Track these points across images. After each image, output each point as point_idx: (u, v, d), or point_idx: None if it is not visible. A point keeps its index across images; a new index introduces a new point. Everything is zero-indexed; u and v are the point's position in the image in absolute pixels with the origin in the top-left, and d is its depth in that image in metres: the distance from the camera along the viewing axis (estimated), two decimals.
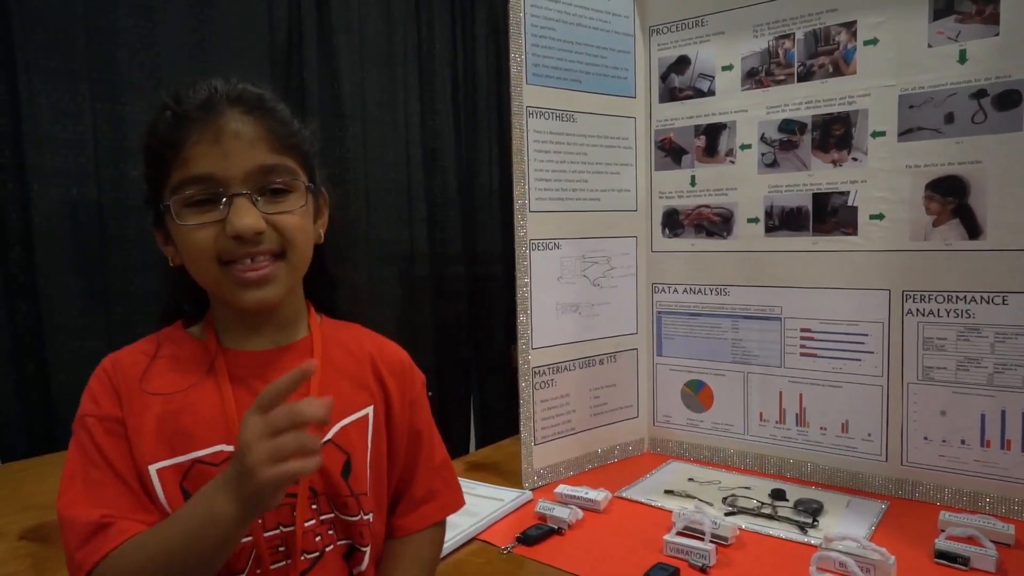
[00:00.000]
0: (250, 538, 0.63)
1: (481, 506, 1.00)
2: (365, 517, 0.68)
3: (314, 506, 0.66)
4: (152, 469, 0.62)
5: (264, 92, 0.66)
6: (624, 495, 1.05)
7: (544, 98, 1.08)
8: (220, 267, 0.63)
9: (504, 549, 0.89)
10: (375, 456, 0.71)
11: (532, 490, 1.07)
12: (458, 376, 1.99)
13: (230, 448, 0.63)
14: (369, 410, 0.71)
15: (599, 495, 1.01)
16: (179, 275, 0.68)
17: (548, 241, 1.10)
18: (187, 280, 0.68)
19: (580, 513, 0.97)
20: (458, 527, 0.93)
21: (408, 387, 0.76)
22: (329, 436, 0.68)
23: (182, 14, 1.42)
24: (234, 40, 1.48)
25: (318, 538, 0.67)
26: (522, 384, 1.09)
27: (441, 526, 0.80)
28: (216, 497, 0.55)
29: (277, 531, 0.65)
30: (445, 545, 0.88)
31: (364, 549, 0.69)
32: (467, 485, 1.08)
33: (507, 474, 1.14)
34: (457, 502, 0.80)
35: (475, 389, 2.05)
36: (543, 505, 0.97)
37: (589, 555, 0.87)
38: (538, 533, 0.92)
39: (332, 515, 0.67)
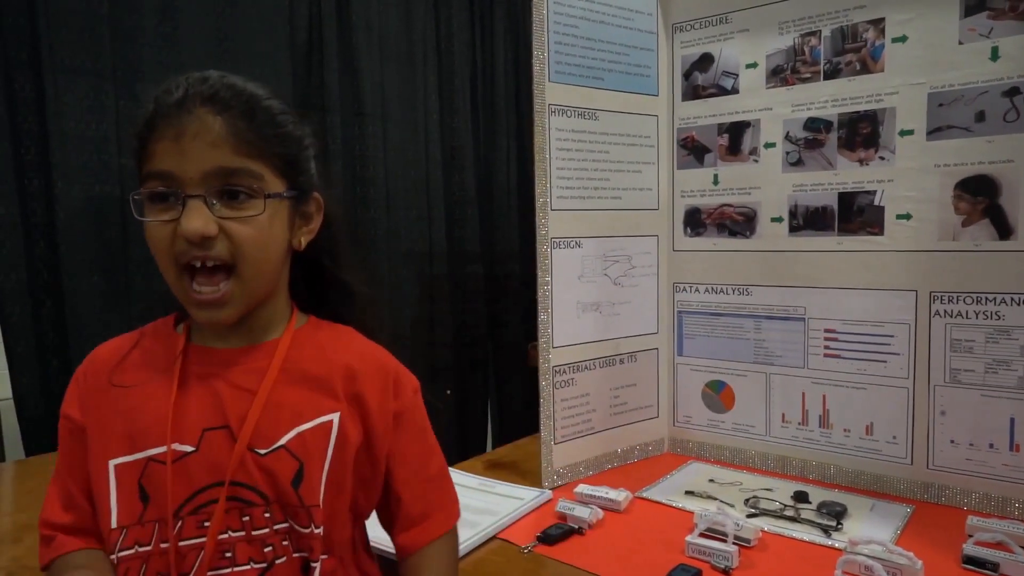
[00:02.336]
0: (202, 539, 0.62)
1: (501, 505, 1.00)
2: (316, 531, 0.64)
3: (267, 514, 0.64)
4: (111, 464, 0.62)
5: (249, 90, 0.64)
6: (644, 495, 1.05)
7: (566, 96, 1.08)
8: (177, 271, 0.62)
9: (525, 548, 0.89)
10: (337, 467, 0.66)
11: (552, 489, 1.07)
12: (476, 375, 1.99)
13: (179, 448, 0.63)
14: (333, 417, 0.67)
15: (619, 495, 1.00)
16: None
17: (569, 240, 1.10)
18: None
19: (600, 513, 0.96)
20: (478, 526, 0.93)
21: (390, 398, 0.71)
22: (282, 442, 0.65)
23: (205, 13, 1.43)
24: (256, 39, 1.49)
25: (268, 548, 0.64)
26: (542, 383, 1.08)
27: (451, 535, 0.76)
28: None
29: (197, 540, 0.62)
30: (465, 544, 0.88)
31: (314, 565, 0.65)
32: (486, 484, 1.09)
33: (526, 473, 1.13)
34: (456, 514, 0.76)
35: (493, 388, 2.05)
36: (563, 504, 0.97)
37: (610, 555, 0.87)
38: (558, 533, 0.91)
39: (286, 524, 0.64)
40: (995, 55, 0.93)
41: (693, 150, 1.19)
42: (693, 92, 1.19)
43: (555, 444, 1.10)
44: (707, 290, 1.20)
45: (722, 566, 0.83)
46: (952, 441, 1.00)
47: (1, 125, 1.23)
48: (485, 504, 1.01)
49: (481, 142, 1.99)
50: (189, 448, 0.63)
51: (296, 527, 0.65)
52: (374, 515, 0.76)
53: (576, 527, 0.93)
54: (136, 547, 0.62)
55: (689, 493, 1.05)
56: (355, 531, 0.72)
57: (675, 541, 0.88)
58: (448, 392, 1.88)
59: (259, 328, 0.69)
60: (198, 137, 0.60)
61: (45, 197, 1.26)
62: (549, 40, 1.05)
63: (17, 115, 1.25)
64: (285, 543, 0.64)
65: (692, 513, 0.93)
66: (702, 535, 0.87)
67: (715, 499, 1.02)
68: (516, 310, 2.05)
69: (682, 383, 1.24)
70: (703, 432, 1.22)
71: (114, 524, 0.62)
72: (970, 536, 0.86)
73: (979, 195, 0.96)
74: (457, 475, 1.13)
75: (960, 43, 0.95)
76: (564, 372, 1.10)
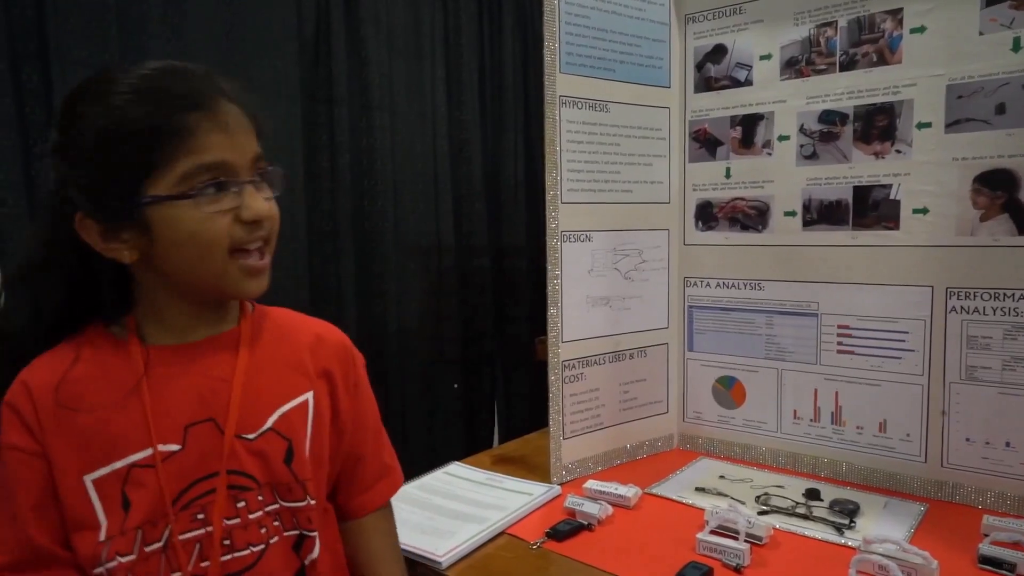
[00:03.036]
0: (198, 532, 0.63)
1: (510, 500, 0.99)
2: (311, 502, 0.68)
3: (260, 497, 0.66)
4: (88, 480, 0.61)
5: (235, 83, 0.67)
6: (654, 492, 1.04)
7: (577, 87, 1.06)
8: (228, 257, 0.63)
9: (534, 544, 0.88)
10: (316, 442, 0.70)
11: (560, 485, 1.06)
12: (482, 369, 1.98)
13: (164, 448, 0.63)
14: (309, 395, 0.71)
15: (629, 491, 0.99)
16: (113, 272, 0.65)
17: (580, 233, 1.08)
18: (119, 277, 0.66)
19: (610, 509, 0.95)
20: (487, 520, 0.92)
21: (351, 369, 0.76)
22: (270, 423, 0.67)
23: (212, 5, 1.41)
24: (263, 31, 1.48)
25: (263, 530, 0.66)
26: (551, 378, 1.07)
27: (390, 505, 0.81)
28: None
29: (202, 531, 0.63)
30: (474, 539, 0.88)
31: (313, 535, 0.68)
32: (494, 478, 1.08)
33: (535, 468, 1.12)
34: (401, 478, 0.82)
35: (499, 382, 2.04)
36: (572, 500, 0.96)
37: (620, 552, 0.86)
38: (568, 528, 0.91)
39: (276, 505, 0.67)
40: (1017, 46, 0.91)
41: (705, 143, 1.18)
42: (705, 84, 1.17)
43: (564, 439, 1.09)
44: (718, 285, 1.19)
45: (734, 564, 0.82)
46: (967, 439, 0.98)
47: (8, 116, 1.22)
48: (493, 499, 1.00)
49: (489, 135, 1.97)
50: (175, 447, 0.63)
51: (289, 504, 0.67)
52: None
53: (585, 523, 0.93)
54: (117, 558, 0.61)
55: (699, 490, 1.04)
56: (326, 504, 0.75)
57: (686, 538, 0.87)
58: (455, 386, 1.87)
59: (217, 319, 0.69)
60: (239, 126, 0.63)
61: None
62: (560, 31, 1.04)
63: (24, 106, 1.24)
64: (276, 523, 0.67)
65: (703, 510, 0.92)
66: (713, 532, 0.86)
67: (726, 496, 1.01)
68: (523, 304, 2.04)
69: (692, 379, 1.23)
70: (713, 428, 1.21)
71: (102, 537, 0.61)
72: (986, 536, 0.85)
73: (998, 189, 0.94)
74: (465, 469, 1.13)
75: (981, 34, 0.93)
76: (573, 367, 1.09)
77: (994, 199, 0.94)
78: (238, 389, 0.66)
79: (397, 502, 0.98)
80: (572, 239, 1.08)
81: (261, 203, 0.64)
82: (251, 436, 0.66)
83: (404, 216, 1.75)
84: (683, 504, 1.00)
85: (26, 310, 0.67)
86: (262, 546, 0.66)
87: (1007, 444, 0.95)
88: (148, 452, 0.62)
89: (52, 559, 0.62)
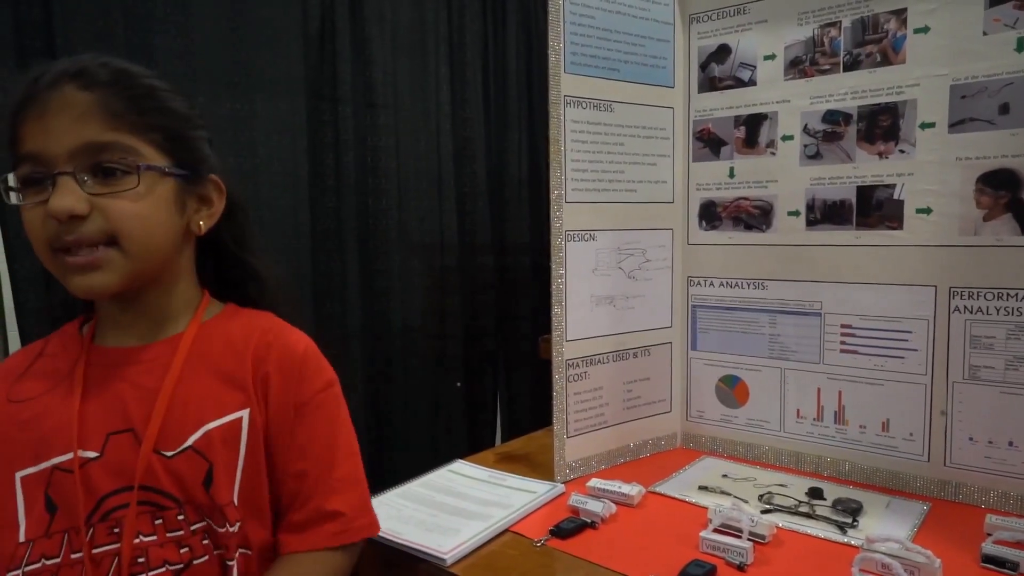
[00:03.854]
0: (114, 545, 0.60)
1: (513, 498, 1.00)
2: (231, 529, 0.63)
3: (180, 516, 0.62)
4: (17, 477, 0.60)
5: (124, 66, 0.62)
6: (657, 490, 1.04)
7: (582, 87, 1.06)
8: (51, 254, 0.59)
9: (537, 542, 0.89)
10: (251, 463, 0.64)
11: (564, 483, 1.06)
12: (485, 367, 1.99)
13: (84, 454, 0.60)
14: (243, 414, 0.65)
15: (632, 489, 1.00)
16: None
17: (584, 232, 1.09)
18: None
19: (613, 507, 0.96)
20: (491, 518, 0.93)
21: (296, 388, 0.68)
22: (190, 442, 0.63)
23: (217, 3, 1.42)
24: (268, 29, 1.49)
25: (184, 549, 0.62)
26: (555, 376, 1.08)
27: (341, 553, 0.68)
28: None
29: (109, 547, 0.60)
30: (477, 536, 0.88)
31: (231, 563, 0.63)
32: (498, 476, 1.09)
33: (538, 466, 1.13)
34: (362, 528, 0.70)
35: (502, 381, 2.05)
36: (576, 498, 0.96)
37: (623, 550, 0.87)
38: (571, 526, 0.91)
39: (204, 523, 0.63)
40: (1021, 46, 0.91)
41: (709, 143, 1.18)
42: (710, 84, 1.17)
43: (568, 437, 1.09)
44: (722, 284, 1.19)
45: (737, 562, 0.82)
46: (971, 439, 0.98)
47: None
48: (496, 497, 1.01)
49: (492, 134, 1.98)
50: (93, 454, 0.61)
51: (213, 526, 0.63)
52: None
53: (589, 521, 0.93)
54: (43, 560, 0.59)
55: (702, 488, 1.05)
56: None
57: (689, 536, 0.88)
58: (458, 384, 1.88)
59: (161, 321, 0.66)
60: (62, 112, 0.58)
61: None
62: (565, 31, 1.04)
63: None
64: (205, 542, 0.63)
65: (706, 508, 0.92)
66: (716, 530, 0.87)
67: (729, 495, 1.02)
68: (526, 303, 2.05)
69: (695, 378, 1.23)
70: (716, 427, 1.21)
71: (22, 538, 0.59)
72: (989, 535, 0.85)
73: (1001, 189, 0.94)
74: (469, 467, 1.13)
75: (984, 34, 0.93)
76: (577, 365, 1.10)
77: (997, 199, 0.94)
78: (163, 401, 0.63)
79: (401, 499, 1.00)
80: (576, 238, 1.08)
81: (64, 199, 0.57)
82: (169, 453, 0.62)
83: (408, 214, 1.76)
84: (686, 503, 1.00)
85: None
86: (180, 565, 0.62)
87: (1010, 444, 0.95)
88: (69, 456, 0.60)
89: None
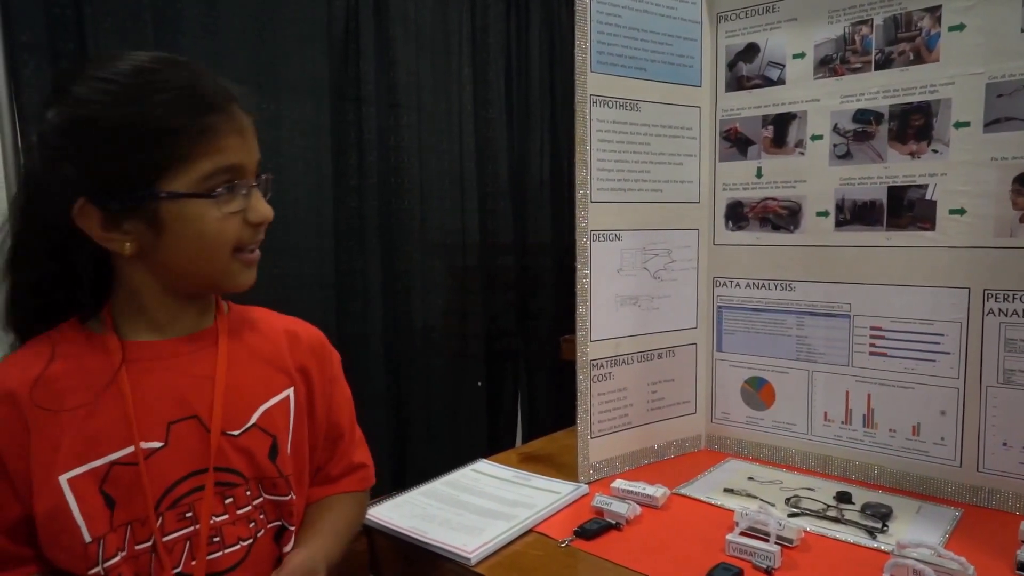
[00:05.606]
0: (187, 529, 0.64)
1: (537, 498, 1.00)
2: (293, 497, 0.70)
3: (248, 492, 0.67)
4: (63, 480, 0.60)
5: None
6: (682, 492, 1.04)
7: (608, 86, 1.06)
8: (230, 255, 0.65)
9: (562, 542, 0.88)
10: (296, 437, 0.72)
11: (588, 484, 1.06)
12: (506, 367, 1.99)
13: (147, 446, 0.62)
14: (289, 392, 0.72)
15: (657, 491, 0.99)
16: (94, 263, 0.65)
17: (609, 232, 1.08)
18: (100, 272, 0.65)
19: (638, 509, 0.95)
20: (515, 518, 0.93)
21: (327, 365, 0.79)
22: (253, 420, 0.68)
23: (244, 5, 1.43)
24: (293, 30, 1.50)
25: (252, 524, 0.67)
26: (580, 376, 1.07)
27: (363, 494, 0.84)
28: None
29: (191, 529, 0.64)
30: (501, 536, 0.88)
31: (292, 528, 0.70)
32: (521, 476, 1.08)
33: (561, 467, 1.13)
34: (372, 478, 0.85)
35: (523, 381, 2.05)
36: (600, 499, 0.96)
37: (648, 552, 0.86)
38: (596, 527, 0.91)
39: (261, 499, 0.68)
40: None
41: (736, 142, 1.17)
42: (737, 83, 1.16)
43: (591, 438, 1.09)
44: (748, 285, 1.18)
45: (764, 566, 0.81)
46: (1004, 444, 0.96)
47: None
48: (520, 497, 1.00)
49: (515, 134, 1.98)
50: (157, 444, 0.63)
51: (272, 497, 0.69)
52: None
53: (614, 522, 0.92)
54: (119, 553, 0.61)
55: (728, 491, 1.04)
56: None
57: (715, 539, 0.87)
58: (479, 384, 1.88)
59: (196, 316, 0.70)
60: (249, 130, 0.66)
61: None
62: (592, 30, 1.04)
63: None
64: (262, 516, 0.69)
65: (732, 511, 0.91)
66: (743, 534, 0.86)
67: (755, 497, 1.01)
68: (547, 303, 2.04)
69: (720, 379, 1.22)
70: (741, 429, 1.20)
71: (88, 538, 0.60)
72: (1023, 542, 0.84)
73: None
74: (492, 467, 1.13)
75: (1023, 31, 0.91)
76: (602, 366, 1.09)
77: None
78: (221, 386, 0.67)
79: (425, 498, 1.00)
80: (601, 238, 1.08)
81: (266, 206, 0.67)
82: (236, 433, 0.67)
83: (430, 214, 1.76)
84: (712, 505, 0.99)
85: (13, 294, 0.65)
86: (251, 540, 0.67)
87: None
88: (130, 450, 0.62)
89: (11, 558, 0.61)
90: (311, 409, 0.76)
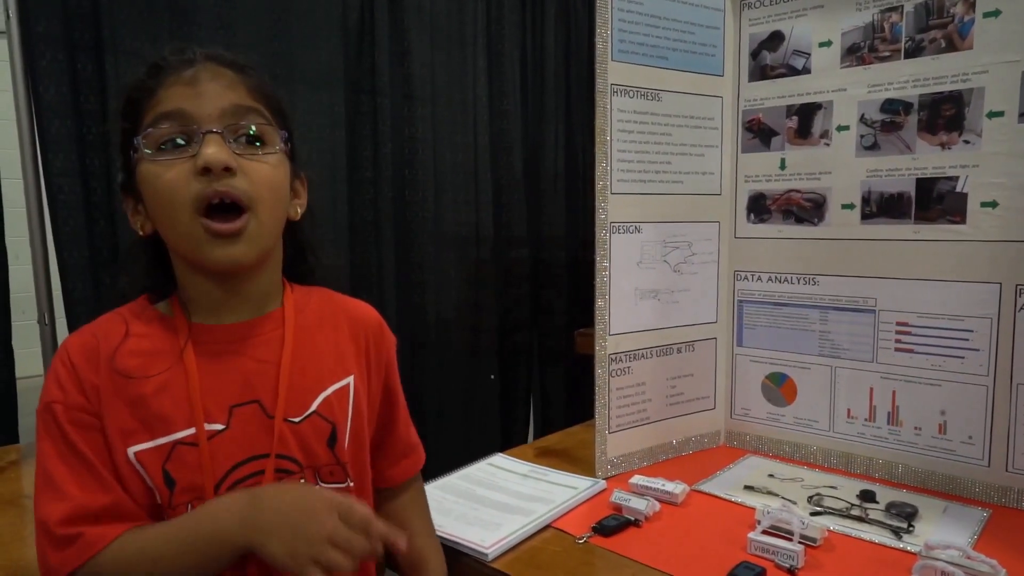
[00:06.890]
0: None
1: (555, 493, 0.98)
2: (351, 484, 0.69)
3: (303, 480, 0.66)
4: (131, 452, 0.60)
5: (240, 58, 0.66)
6: (702, 488, 1.02)
7: (629, 76, 1.04)
8: (192, 214, 0.59)
9: (580, 538, 0.87)
10: (356, 425, 0.70)
11: (605, 479, 1.05)
12: (519, 361, 1.98)
13: (209, 428, 0.62)
14: (350, 379, 0.71)
15: (677, 487, 0.97)
16: (149, 248, 0.66)
17: (629, 224, 1.06)
18: (157, 254, 0.66)
19: (657, 505, 0.94)
20: (533, 514, 0.92)
21: (385, 348, 0.78)
22: (314, 407, 0.67)
23: None
24: (308, 22, 1.49)
25: None
26: (598, 371, 1.06)
27: (420, 477, 0.85)
28: (231, 527, 0.58)
29: None
30: (519, 531, 0.87)
31: None
32: (538, 471, 1.07)
33: (578, 461, 1.11)
34: (423, 457, 0.85)
35: (536, 374, 2.03)
36: (619, 495, 0.95)
37: (668, 549, 0.85)
38: (615, 524, 0.89)
39: (317, 487, 0.67)
40: None
41: (759, 133, 1.15)
42: (761, 72, 1.14)
43: (609, 433, 1.07)
44: (770, 279, 1.15)
45: (787, 565, 0.79)
46: None
47: (65, 105, 1.25)
48: (538, 492, 0.99)
49: (529, 126, 1.96)
50: (219, 426, 0.63)
51: (329, 486, 0.68)
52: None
53: (632, 519, 0.91)
54: None
55: (748, 488, 1.02)
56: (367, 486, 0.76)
57: (736, 537, 0.85)
58: (492, 377, 1.87)
59: (260, 299, 0.69)
60: (214, 80, 0.61)
61: (106, 176, 1.28)
62: (613, 17, 1.02)
63: (79, 95, 1.27)
64: None
65: (752, 509, 0.90)
66: (765, 532, 0.84)
67: (776, 495, 0.99)
68: (562, 296, 2.03)
69: (741, 374, 1.20)
70: (762, 425, 1.18)
71: (160, 501, 0.61)
72: None
73: None
74: (508, 461, 1.12)
75: None
76: (620, 360, 1.08)
77: None
78: (285, 372, 0.66)
79: (441, 492, 0.99)
80: (621, 230, 1.06)
81: (212, 149, 0.58)
82: (296, 419, 0.66)
83: (444, 206, 1.75)
84: (732, 502, 0.98)
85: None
86: None
87: None
88: (192, 431, 0.62)
89: (128, 509, 0.62)
90: (371, 395, 0.75)
